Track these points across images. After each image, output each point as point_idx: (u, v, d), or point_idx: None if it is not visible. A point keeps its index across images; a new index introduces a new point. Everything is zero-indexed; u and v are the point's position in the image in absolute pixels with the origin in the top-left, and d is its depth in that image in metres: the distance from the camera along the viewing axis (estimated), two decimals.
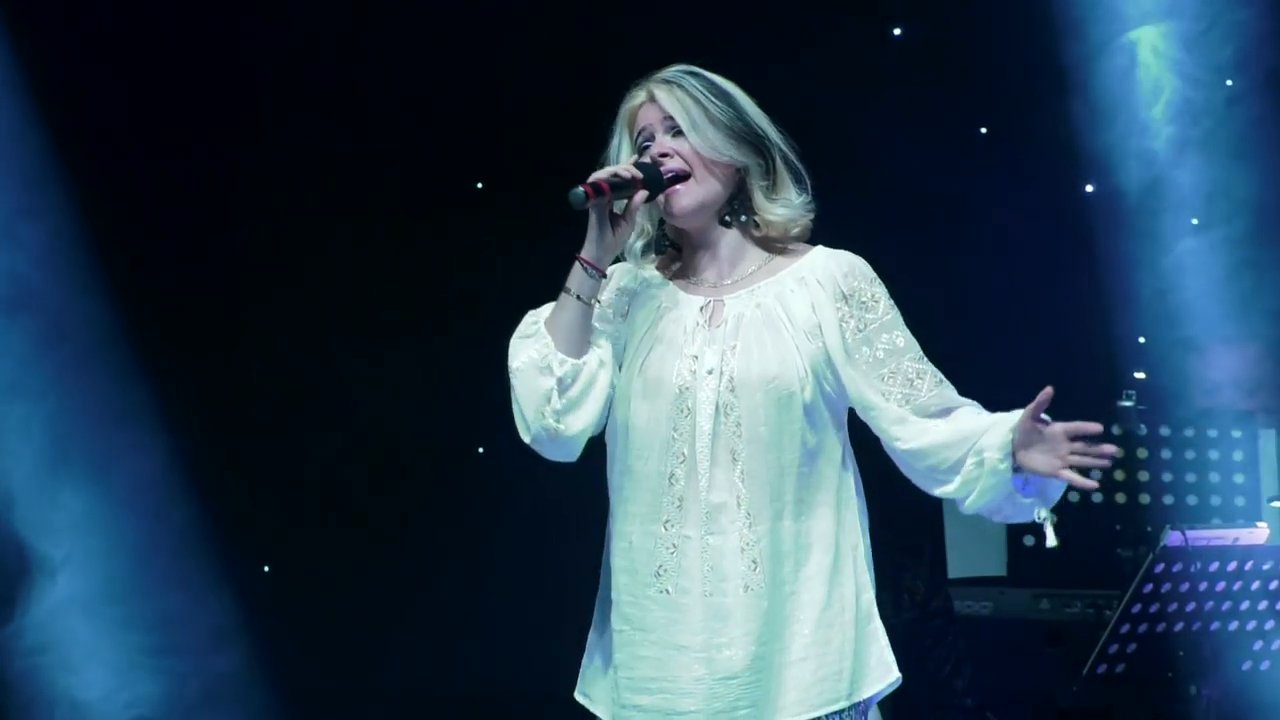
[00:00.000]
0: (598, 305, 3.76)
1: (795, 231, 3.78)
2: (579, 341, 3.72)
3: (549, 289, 3.90)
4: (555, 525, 6.69)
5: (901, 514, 6.50)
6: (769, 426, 3.65)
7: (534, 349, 3.72)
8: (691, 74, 3.77)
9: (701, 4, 6.86)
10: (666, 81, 3.76)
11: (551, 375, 3.70)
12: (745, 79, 3.87)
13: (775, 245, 3.79)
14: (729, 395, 3.66)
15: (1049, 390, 3.60)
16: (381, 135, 7.18)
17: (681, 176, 3.73)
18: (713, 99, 3.74)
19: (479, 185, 7.29)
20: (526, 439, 3.75)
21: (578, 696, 3.84)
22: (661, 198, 3.73)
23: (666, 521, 3.67)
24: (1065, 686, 5.68)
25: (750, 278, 3.77)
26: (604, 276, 3.74)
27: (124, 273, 6.84)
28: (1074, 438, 3.59)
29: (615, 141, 3.80)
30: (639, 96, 3.78)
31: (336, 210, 7.24)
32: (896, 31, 7.17)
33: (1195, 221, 6.73)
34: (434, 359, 7.13)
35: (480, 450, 7.31)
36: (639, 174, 3.69)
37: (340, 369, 7.24)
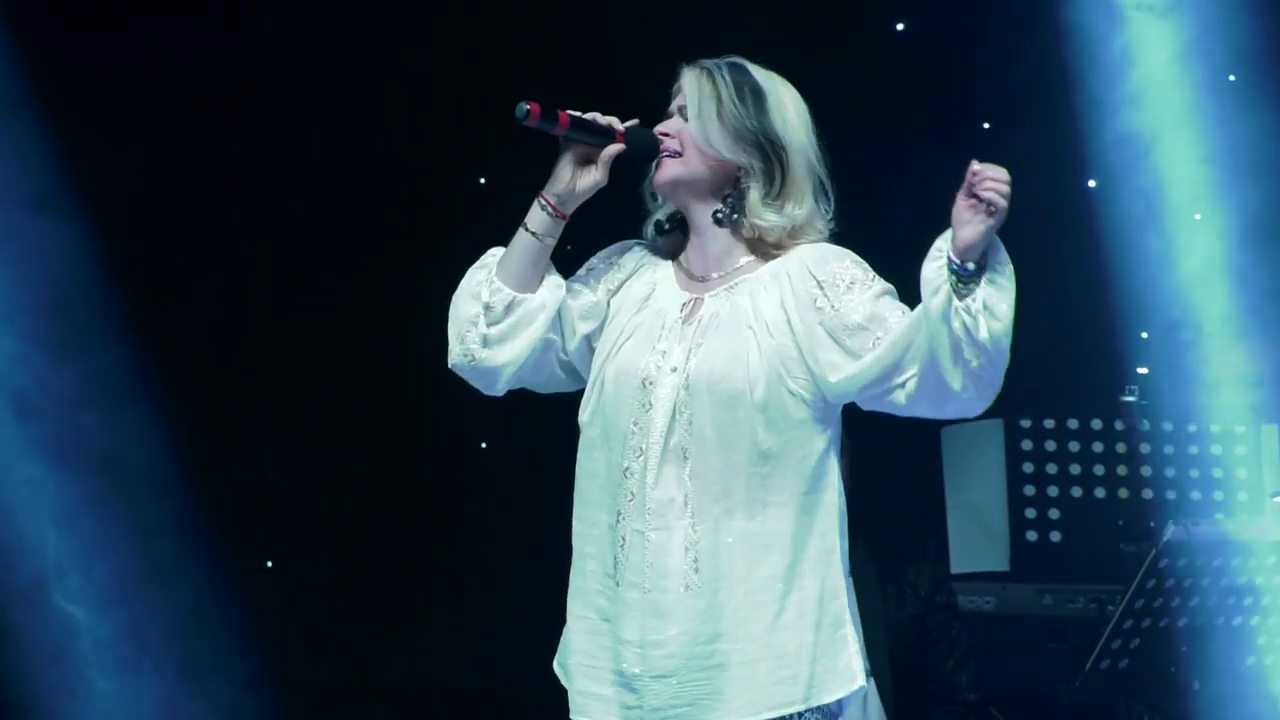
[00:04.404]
0: (596, 278, 3.81)
1: (798, 241, 3.74)
2: (524, 276, 3.75)
3: None
4: (559, 518, 6.69)
5: (905, 510, 6.52)
6: (715, 426, 3.61)
7: (476, 276, 3.78)
8: (733, 66, 3.77)
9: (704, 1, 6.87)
10: (702, 67, 3.77)
11: (479, 302, 3.74)
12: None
13: (769, 249, 3.75)
14: (685, 394, 3.63)
15: (974, 164, 3.58)
16: (384, 130, 7.18)
17: (675, 155, 3.75)
18: (733, 94, 3.73)
19: (481, 180, 7.29)
20: (450, 363, 3.81)
21: (555, 668, 3.83)
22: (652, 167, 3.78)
23: (620, 514, 3.67)
24: (1068, 682, 5.69)
25: (733, 275, 3.74)
26: (564, 218, 3.76)
27: (126, 267, 6.84)
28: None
29: None
30: (680, 77, 3.80)
31: (339, 204, 7.24)
32: (899, 26, 7.17)
33: (1198, 217, 6.73)
34: (437, 353, 7.11)
35: (484, 445, 7.31)
36: (619, 128, 3.75)
37: (342, 362, 7.24)
